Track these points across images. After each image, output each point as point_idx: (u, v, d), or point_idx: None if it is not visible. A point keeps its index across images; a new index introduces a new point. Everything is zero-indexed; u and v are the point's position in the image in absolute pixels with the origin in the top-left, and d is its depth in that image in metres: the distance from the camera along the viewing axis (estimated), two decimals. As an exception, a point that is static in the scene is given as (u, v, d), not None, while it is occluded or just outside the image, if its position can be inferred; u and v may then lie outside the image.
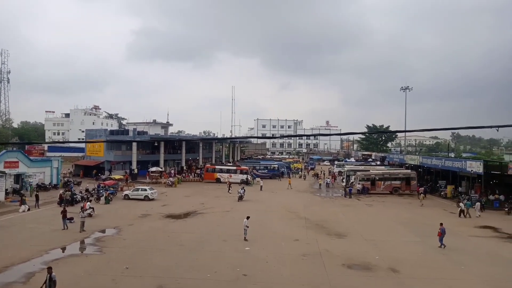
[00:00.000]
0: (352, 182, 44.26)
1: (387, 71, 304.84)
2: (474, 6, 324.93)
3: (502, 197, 33.71)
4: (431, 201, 37.52)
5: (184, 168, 60.63)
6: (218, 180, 50.61)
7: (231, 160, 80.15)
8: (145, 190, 35.56)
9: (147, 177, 50.68)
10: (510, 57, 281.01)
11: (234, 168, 53.34)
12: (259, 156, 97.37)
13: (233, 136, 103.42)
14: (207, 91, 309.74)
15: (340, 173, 57.47)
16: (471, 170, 35.56)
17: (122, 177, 45.67)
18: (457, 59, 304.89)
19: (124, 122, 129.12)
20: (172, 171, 55.36)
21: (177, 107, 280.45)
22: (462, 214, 28.73)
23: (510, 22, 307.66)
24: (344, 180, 48.86)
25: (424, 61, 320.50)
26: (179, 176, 51.90)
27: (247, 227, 20.76)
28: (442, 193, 40.35)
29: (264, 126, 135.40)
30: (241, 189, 35.69)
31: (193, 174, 56.74)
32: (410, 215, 29.67)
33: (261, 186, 43.78)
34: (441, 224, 20.69)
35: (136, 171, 52.84)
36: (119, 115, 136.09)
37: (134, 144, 53.65)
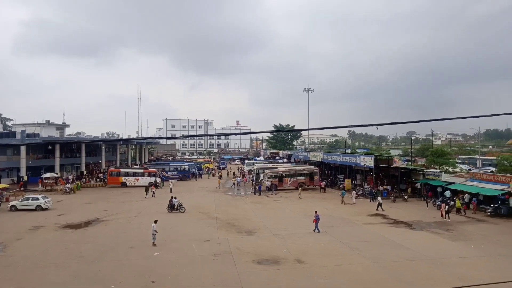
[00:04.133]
0: (261, 180, 45.70)
1: (292, 73, 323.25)
2: (365, 16, 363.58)
3: (389, 187, 38.27)
4: (332, 194, 40.83)
5: (85, 172, 55.73)
6: (123, 184, 47.77)
7: (138, 162, 76.26)
8: (37, 199, 31.65)
9: (40, 184, 45.29)
10: (394, 63, 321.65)
11: (142, 170, 50.86)
12: (168, 158, 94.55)
13: (139, 136, 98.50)
14: (111, 90, 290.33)
15: (250, 171, 58.91)
16: (364, 164, 39.71)
17: (7, 185, 40.05)
18: (352, 63, 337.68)
19: (9, 123, 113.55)
20: (70, 177, 50.41)
21: (76, 107, 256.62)
22: (379, 207, 30.49)
23: (394, 33, 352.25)
24: (253, 178, 50.21)
25: (324, 64, 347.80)
26: (79, 182, 47.51)
27: (156, 231, 19.92)
28: (341, 186, 44.14)
29: (173, 126, 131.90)
30: (174, 198, 31.03)
31: (94, 179, 52.49)
32: (313, 208, 31.60)
33: (171, 188, 42.51)
34: (316, 212, 23.35)
35: (25, 178, 46.79)
36: (3, 116, 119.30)
37: (23, 147, 47.38)
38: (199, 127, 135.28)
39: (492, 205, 27.88)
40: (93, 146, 63.75)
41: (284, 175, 45.07)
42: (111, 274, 15.48)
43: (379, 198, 31.49)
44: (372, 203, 34.14)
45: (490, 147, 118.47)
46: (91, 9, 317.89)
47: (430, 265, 16.41)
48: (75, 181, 48.10)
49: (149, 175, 48.76)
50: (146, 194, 38.43)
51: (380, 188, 38.39)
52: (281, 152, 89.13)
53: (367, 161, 39.21)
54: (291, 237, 21.58)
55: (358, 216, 28.10)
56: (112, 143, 68.14)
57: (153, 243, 19.71)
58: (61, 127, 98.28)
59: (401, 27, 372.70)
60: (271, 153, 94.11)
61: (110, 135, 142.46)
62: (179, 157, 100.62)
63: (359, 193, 38.35)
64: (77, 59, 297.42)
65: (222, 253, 18.42)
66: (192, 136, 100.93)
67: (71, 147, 60.20)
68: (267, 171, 46.14)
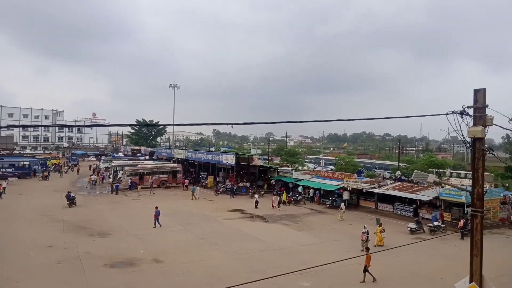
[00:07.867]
0: (120, 178, 42.82)
1: (159, 69, 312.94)
2: (232, 22, 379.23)
3: (248, 184, 40.66)
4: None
5: None
6: None
7: (-42, 157, 61.70)
8: None
9: None
10: (257, 68, 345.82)
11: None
12: (3, 152, 79.46)
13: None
14: None
15: (107, 169, 54.46)
16: (226, 162, 41.28)
17: None
18: (219, 65, 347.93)
19: None
20: None
21: None
22: (256, 204, 31.95)
23: (257, 41, 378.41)
24: (111, 176, 46.60)
25: (191, 63, 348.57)
26: None
27: (-21, 240, 16.41)
28: (204, 183, 44.78)
29: (11, 116, 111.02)
30: (70, 193, 28.53)
31: None
32: (175, 206, 31.31)
33: (4, 188, 35.62)
34: (156, 207, 23.79)
35: None
36: None
37: None
38: (45, 117, 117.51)
39: (330, 198, 32.53)
40: None
41: (146, 172, 43.16)
42: None
43: (256, 195, 32.85)
44: (232, 199, 35.73)
45: (332, 148, 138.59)
46: None
47: (279, 254, 18.07)
48: None
49: (-26, 172, 40.04)
50: None
51: (240, 184, 40.44)
52: (143, 148, 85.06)
53: (229, 159, 40.88)
54: (149, 237, 20.76)
55: (218, 212, 28.94)
56: None
57: (-25, 254, 16.19)
58: None
59: (263, 36, 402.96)
60: (132, 149, 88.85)
61: None
62: (18, 152, 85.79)
63: (221, 189, 39.65)
64: None
65: (69, 259, 16.41)
66: (35, 126, 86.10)
67: None
68: (126, 168, 43.49)
